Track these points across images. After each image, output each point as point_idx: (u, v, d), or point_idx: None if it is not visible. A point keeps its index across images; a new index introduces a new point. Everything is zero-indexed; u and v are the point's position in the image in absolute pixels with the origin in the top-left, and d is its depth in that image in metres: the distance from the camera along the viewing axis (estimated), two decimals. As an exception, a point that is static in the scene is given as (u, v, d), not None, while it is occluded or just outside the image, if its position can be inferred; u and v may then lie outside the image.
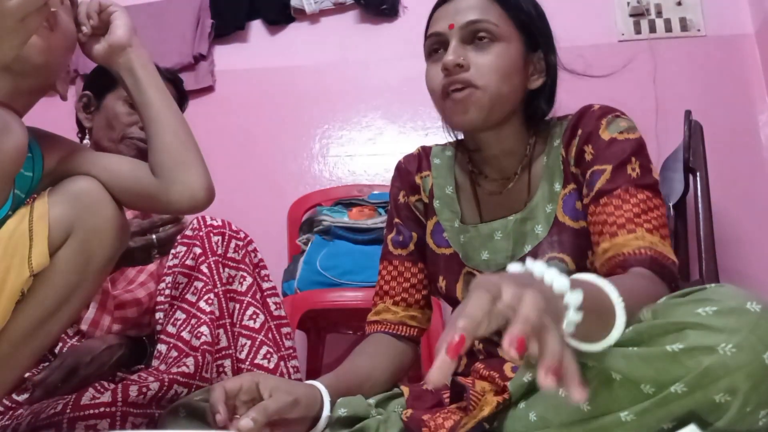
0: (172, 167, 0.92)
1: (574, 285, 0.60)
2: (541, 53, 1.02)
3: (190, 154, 0.94)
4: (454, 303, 1.07)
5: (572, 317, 0.58)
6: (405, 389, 1.00)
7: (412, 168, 1.14)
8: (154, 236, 1.21)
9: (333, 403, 0.89)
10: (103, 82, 1.42)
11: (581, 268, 0.95)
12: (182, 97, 1.53)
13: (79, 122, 1.47)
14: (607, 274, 0.86)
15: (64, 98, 0.94)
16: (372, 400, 0.95)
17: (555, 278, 0.59)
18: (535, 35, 1.01)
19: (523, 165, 1.03)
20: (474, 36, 0.97)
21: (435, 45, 1.01)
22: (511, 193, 1.03)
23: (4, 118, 0.81)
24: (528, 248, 0.98)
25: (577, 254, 0.96)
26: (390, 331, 1.09)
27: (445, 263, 1.06)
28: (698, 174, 1.65)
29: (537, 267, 0.61)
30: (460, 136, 1.11)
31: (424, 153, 1.15)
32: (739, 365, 0.61)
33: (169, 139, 0.93)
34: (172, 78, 1.49)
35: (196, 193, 0.93)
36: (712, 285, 0.70)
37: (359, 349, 1.07)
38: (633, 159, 0.92)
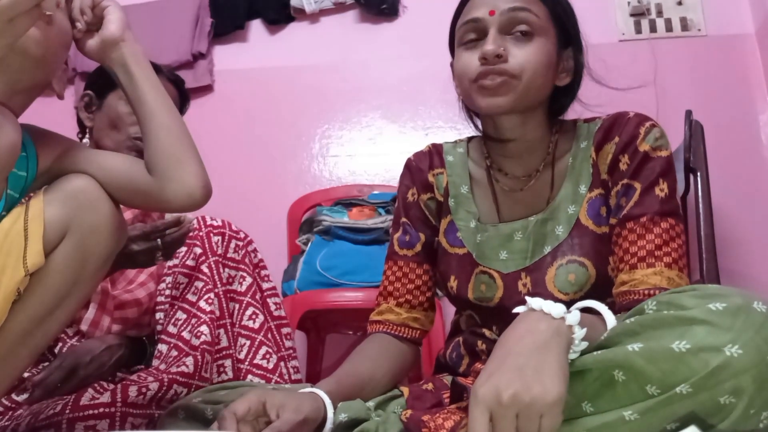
0: (168, 164, 0.91)
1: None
2: (571, 51, 1.01)
3: (186, 151, 0.92)
4: (464, 303, 1.06)
5: (578, 347, 0.70)
6: (405, 389, 0.99)
7: (423, 166, 1.11)
8: (159, 240, 1.19)
9: (335, 411, 0.88)
10: (104, 81, 1.41)
11: (601, 273, 0.95)
12: (183, 98, 1.51)
13: (80, 122, 1.46)
14: (620, 306, 0.88)
15: (60, 97, 0.93)
16: (371, 403, 0.95)
17: (569, 317, 0.70)
18: (569, 32, 1.01)
19: (545, 162, 1.02)
20: (513, 25, 0.95)
21: (471, 31, 0.98)
22: (532, 191, 1.02)
23: None
24: (548, 249, 0.98)
25: (598, 259, 0.95)
26: (392, 332, 1.08)
27: (457, 263, 1.05)
28: (699, 174, 1.64)
29: (547, 305, 0.71)
30: (478, 123, 1.09)
31: (436, 150, 1.12)
32: (745, 367, 0.61)
33: (164, 136, 0.92)
34: (173, 79, 1.48)
35: (192, 190, 0.91)
36: (711, 285, 0.71)
37: (360, 349, 1.06)
38: (661, 180, 0.93)
